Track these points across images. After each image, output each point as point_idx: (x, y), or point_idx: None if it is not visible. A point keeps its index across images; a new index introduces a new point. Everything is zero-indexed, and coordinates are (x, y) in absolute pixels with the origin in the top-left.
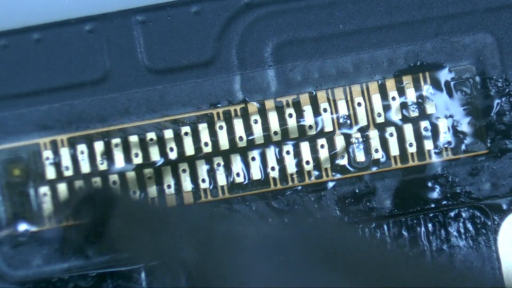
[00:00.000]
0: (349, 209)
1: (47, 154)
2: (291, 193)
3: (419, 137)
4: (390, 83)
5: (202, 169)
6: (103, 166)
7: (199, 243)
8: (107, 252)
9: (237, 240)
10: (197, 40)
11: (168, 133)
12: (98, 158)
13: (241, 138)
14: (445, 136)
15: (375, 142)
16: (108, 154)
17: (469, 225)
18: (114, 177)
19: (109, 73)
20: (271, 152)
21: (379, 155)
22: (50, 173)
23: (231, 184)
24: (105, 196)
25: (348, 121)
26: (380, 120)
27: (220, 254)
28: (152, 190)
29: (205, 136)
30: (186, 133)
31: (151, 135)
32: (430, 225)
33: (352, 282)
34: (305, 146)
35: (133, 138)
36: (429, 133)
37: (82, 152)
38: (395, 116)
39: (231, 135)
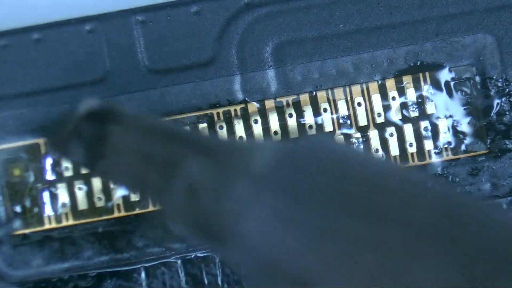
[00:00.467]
0: None
1: (47, 154)
2: None
3: (419, 137)
4: (390, 83)
5: None
6: None
7: (202, 158)
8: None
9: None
10: (197, 40)
11: None
12: None
13: (241, 138)
14: (445, 136)
15: (375, 142)
16: None
17: None
18: None
19: (109, 73)
20: None
21: (379, 155)
22: (50, 173)
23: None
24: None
25: (348, 121)
26: (380, 120)
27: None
28: None
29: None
30: None
31: None
32: None
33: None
34: None
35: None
36: (429, 133)
37: None
38: (395, 116)
39: (231, 135)
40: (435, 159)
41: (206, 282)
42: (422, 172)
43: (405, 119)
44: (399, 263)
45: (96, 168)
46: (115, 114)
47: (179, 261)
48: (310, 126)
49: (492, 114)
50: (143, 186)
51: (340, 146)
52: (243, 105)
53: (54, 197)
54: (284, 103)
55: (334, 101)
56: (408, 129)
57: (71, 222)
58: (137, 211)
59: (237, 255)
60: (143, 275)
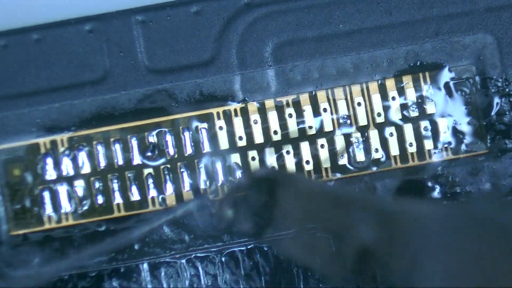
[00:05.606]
0: None
1: (47, 154)
2: None
3: (419, 137)
4: (390, 83)
5: (202, 168)
6: (103, 166)
7: (373, 221)
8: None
9: (412, 219)
10: (197, 40)
11: (168, 133)
12: (98, 158)
13: (240, 137)
14: (445, 136)
15: (375, 142)
16: (108, 154)
17: None
18: (115, 175)
19: (109, 73)
20: (271, 152)
21: (379, 155)
22: (50, 173)
23: (231, 184)
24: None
25: (348, 121)
26: (380, 120)
27: (396, 233)
28: (152, 190)
29: (205, 136)
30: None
31: (151, 135)
32: None
33: None
34: (305, 146)
35: (133, 138)
36: (429, 133)
37: (81, 151)
38: (395, 116)
39: (231, 135)
40: (435, 159)
41: (205, 282)
42: None
43: (405, 119)
44: None
45: (263, 236)
46: (283, 181)
47: (178, 261)
48: (310, 126)
49: (492, 114)
50: (311, 255)
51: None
52: (243, 105)
53: (54, 197)
54: (284, 103)
55: (334, 100)
56: (408, 129)
57: (71, 222)
58: (137, 211)
59: None
60: (143, 274)
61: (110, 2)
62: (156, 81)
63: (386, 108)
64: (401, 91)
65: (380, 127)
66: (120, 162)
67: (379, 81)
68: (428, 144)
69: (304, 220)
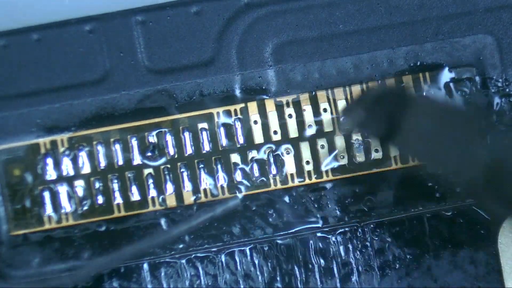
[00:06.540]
0: (349, 209)
1: (47, 154)
2: (291, 193)
3: None
4: (390, 83)
5: (202, 168)
6: (103, 166)
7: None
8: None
9: None
10: (197, 40)
11: (168, 133)
12: (98, 158)
13: (241, 138)
14: None
15: (375, 142)
16: (108, 154)
17: (469, 225)
18: (115, 175)
19: (109, 73)
20: (271, 152)
21: (379, 155)
22: (50, 173)
23: (231, 184)
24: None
25: None
26: None
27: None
28: (152, 190)
29: (205, 136)
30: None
31: (151, 135)
32: (429, 225)
33: None
34: (305, 146)
35: (133, 138)
36: None
37: (81, 151)
38: None
39: (231, 135)
40: None
41: (205, 282)
42: None
43: None
44: None
45: (392, 139)
46: (412, 97)
47: (178, 261)
48: (310, 126)
49: (492, 114)
50: (439, 158)
51: None
52: (243, 105)
53: (54, 197)
54: (284, 103)
55: (334, 100)
56: None
57: (71, 222)
58: (137, 211)
59: None
60: (143, 274)
61: (110, 2)
62: (156, 81)
63: None
64: None
65: None
66: (120, 162)
67: (379, 81)
68: None
69: (430, 135)
